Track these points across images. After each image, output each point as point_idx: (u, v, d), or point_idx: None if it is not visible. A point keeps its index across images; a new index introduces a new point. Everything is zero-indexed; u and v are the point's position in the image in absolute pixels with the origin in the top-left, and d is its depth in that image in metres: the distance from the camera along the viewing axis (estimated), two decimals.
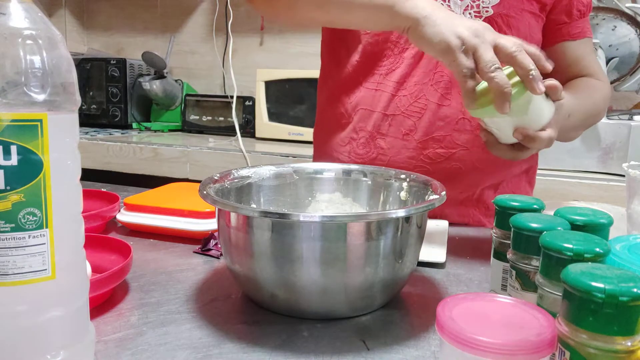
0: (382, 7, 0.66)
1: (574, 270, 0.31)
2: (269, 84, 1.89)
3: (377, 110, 0.85)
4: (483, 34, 0.60)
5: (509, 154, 0.66)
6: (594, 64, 0.91)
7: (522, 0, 0.81)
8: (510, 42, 0.59)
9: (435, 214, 0.84)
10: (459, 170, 0.83)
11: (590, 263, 0.33)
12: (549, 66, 0.60)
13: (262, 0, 0.77)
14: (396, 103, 0.83)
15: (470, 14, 0.79)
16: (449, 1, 0.79)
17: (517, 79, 0.59)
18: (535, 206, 0.49)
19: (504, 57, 0.58)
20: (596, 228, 0.44)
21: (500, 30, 0.80)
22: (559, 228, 0.42)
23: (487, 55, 0.58)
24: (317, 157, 0.99)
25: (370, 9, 0.67)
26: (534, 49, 0.60)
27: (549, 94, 0.63)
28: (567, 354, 0.30)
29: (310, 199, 0.67)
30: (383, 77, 0.84)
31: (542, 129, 0.63)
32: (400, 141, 0.84)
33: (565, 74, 0.89)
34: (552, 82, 0.62)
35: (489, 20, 0.79)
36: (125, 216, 0.75)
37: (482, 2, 0.79)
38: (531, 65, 0.57)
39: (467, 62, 0.59)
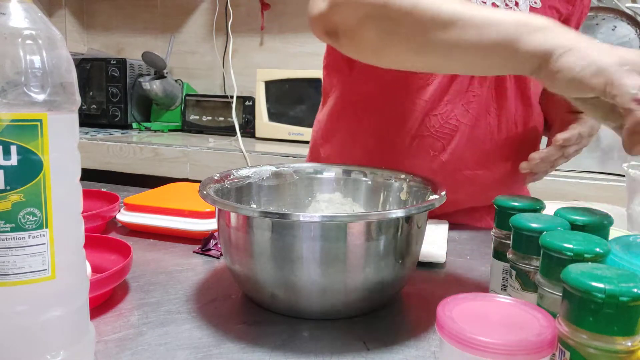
0: (500, 45, 0.51)
1: (574, 270, 0.31)
2: (269, 84, 1.89)
3: (405, 129, 0.78)
4: None
5: None
6: None
7: (545, 8, 0.77)
8: None
9: (443, 216, 0.84)
10: (480, 189, 0.82)
11: (590, 263, 0.33)
12: None
13: (347, 41, 0.66)
14: (426, 124, 0.78)
15: None
16: None
17: None
18: (535, 206, 0.49)
19: None
20: (596, 228, 0.44)
21: None
22: (559, 228, 0.42)
23: None
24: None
25: (483, 50, 0.53)
26: None
27: None
28: (567, 354, 0.30)
29: (310, 199, 0.67)
30: (414, 94, 0.78)
31: None
32: (427, 163, 0.79)
33: None
34: None
35: None
36: (125, 216, 0.75)
37: (514, 8, 0.75)
38: None
39: (636, 82, 0.43)
